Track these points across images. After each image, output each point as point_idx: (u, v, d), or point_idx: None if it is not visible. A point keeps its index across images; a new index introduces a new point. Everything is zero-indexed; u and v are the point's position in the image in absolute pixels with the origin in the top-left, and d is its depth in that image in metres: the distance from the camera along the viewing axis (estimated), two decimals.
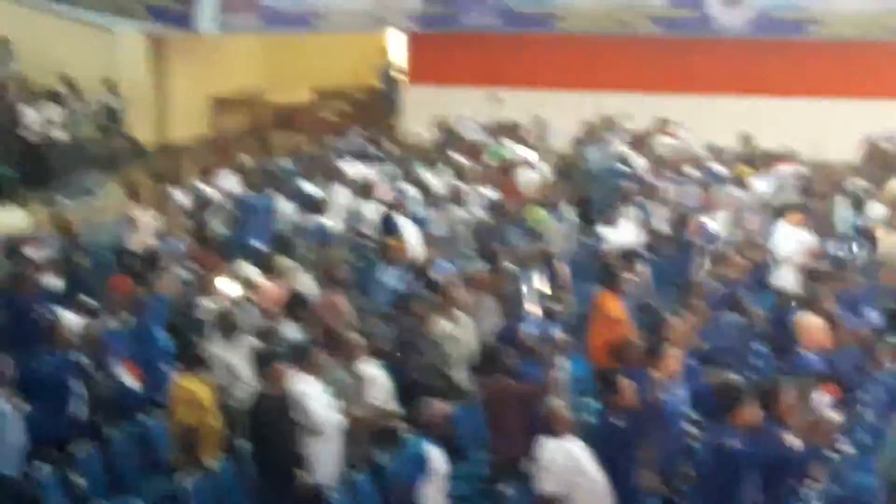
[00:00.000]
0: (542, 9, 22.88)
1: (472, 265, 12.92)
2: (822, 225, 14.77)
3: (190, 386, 9.39)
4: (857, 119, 20.03)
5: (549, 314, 11.20)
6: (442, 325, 10.94)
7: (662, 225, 15.24)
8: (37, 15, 22.24)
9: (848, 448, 9.45)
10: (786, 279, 13.34)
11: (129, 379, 10.32)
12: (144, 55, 22.69)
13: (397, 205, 15.05)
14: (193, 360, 9.59)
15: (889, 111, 20.18)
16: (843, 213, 15.59)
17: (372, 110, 25.34)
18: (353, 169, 17.03)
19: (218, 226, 15.07)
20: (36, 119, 20.04)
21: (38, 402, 9.71)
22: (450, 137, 19.73)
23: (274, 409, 8.97)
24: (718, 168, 17.56)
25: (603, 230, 14.91)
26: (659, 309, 11.67)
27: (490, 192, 16.29)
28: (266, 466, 8.99)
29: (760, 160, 17.74)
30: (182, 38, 22.72)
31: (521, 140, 19.39)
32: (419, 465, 8.38)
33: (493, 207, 15.72)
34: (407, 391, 10.14)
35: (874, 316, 11.82)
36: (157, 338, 10.67)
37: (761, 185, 16.66)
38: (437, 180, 16.74)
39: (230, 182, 16.46)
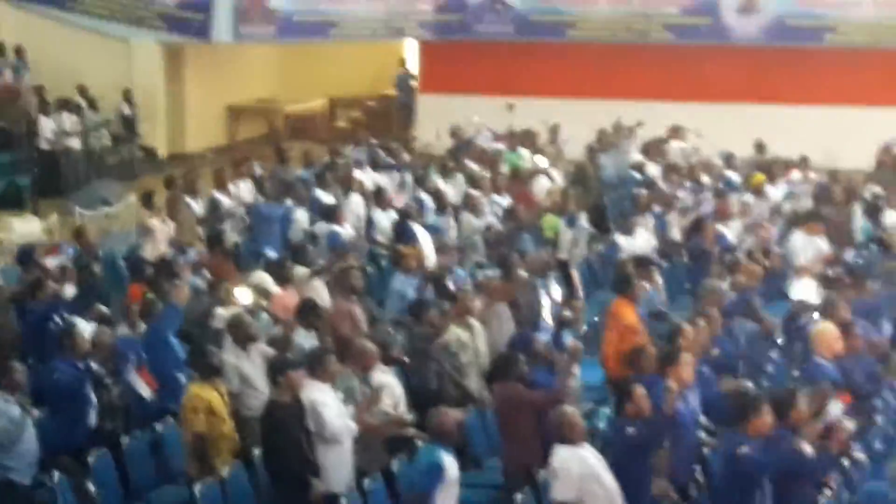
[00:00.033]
0: (556, 17, 22.89)
1: (485, 273, 12.91)
2: (840, 234, 14.74)
3: (203, 394, 9.38)
4: (872, 127, 19.99)
5: (562, 322, 11.18)
6: (456, 333, 10.93)
7: (676, 233, 15.22)
8: (53, 25, 22.35)
9: (861, 456, 9.43)
10: (801, 287, 13.31)
11: (143, 387, 10.34)
12: (160, 65, 22.76)
13: (411, 213, 15.06)
14: (207, 369, 9.59)
15: None
16: (859, 221, 15.57)
17: (387, 119, 25.37)
18: (368, 177, 17.04)
19: (232, 234, 15.11)
20: (52, 128, 20.14)
21: (52, 409, 9.77)
22: (463, 145, 19.72)
23: (287, 416, 8.95)
24: (732, 176, 17.53)
25: (617, 238, 14.91)
26: (673, 317, 11.65)
27: (504, 200, 16.30)
28: (279, 474, 8.98)
29: (775, 168, 17.71)
30: (197, 48, 22.80)
31: (536, 148, 19.39)
32: (435, 473, 8.34)
33: (507, 215, 15.73)
34: (420, 399, 10.14)
35: (889, 325, 11.80)
36: (171, 346, 10.68)
37: (775, 192, 16.63)
38: (451, 188, 16.74)
39: (244, 190, 16.50)
